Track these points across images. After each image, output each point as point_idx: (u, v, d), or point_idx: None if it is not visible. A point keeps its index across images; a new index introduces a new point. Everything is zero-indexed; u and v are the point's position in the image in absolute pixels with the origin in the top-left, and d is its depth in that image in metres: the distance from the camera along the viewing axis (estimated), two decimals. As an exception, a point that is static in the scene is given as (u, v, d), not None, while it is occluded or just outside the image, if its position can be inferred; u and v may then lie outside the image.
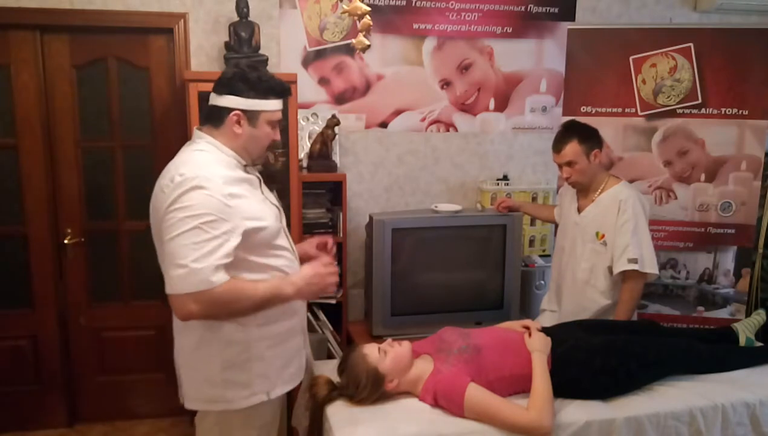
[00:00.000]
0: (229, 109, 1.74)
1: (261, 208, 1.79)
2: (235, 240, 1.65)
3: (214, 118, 1.78)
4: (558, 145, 2.57)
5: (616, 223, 2.53)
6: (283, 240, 1.88)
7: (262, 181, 1.90)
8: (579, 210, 2.69)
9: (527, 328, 2.28)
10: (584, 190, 2.67)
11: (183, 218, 1.59)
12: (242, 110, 1.74)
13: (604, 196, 2.60)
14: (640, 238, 2.52)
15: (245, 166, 1.83)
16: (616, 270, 2.52)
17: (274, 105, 1.79)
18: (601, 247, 2.58)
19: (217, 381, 1.78)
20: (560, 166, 2.60)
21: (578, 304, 2.67)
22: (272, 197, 1.94)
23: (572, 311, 2.68)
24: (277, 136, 1.86)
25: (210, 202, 1.61)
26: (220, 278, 1.60)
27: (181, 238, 1.59)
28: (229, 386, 1.78)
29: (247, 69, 1.76)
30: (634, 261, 2.48)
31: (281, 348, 1.87)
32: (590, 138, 2.56)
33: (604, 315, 2.62)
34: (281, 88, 1.81)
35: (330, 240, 2.14)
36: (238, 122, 1.75)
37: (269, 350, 1.83)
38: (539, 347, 2.13)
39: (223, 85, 1.75)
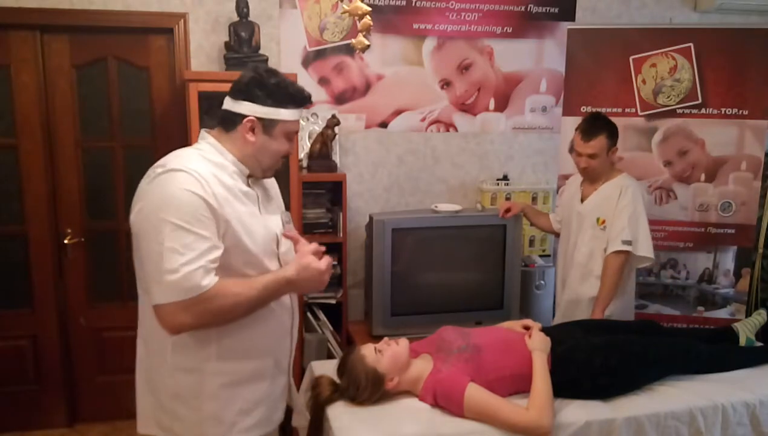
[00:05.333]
0: (244, 116, 1.58)
1: (251, 224, 1.59)
2: (220, 243, 1.49)
3: (226, 122, 1.62)
4: (588, 135, 2.59)
5: (616, 207, 2.60)
6: (273, 266, 1.66)
7: (261, 199, 1.69)
8: (582, 200, 2.75)
9: (527, 328, 2.28)
10: (590, 180, 2.73)
11: (163, 218, 1.42)
12: (258, 118, 1.58)
13: (607, 185, 2.68)
14: (638, 223, 2.60)
15: (249, 177, 1.66)
16: (609, 250, 2.58)
17: (292, 115, 1.63)
18: (600, 232, 2.65)
19: (167, 408, 1.63)
20: (579, 154, 2.63)
21: (576, 292, 2.71)
22: (273, 220, 1.71)
23: (573, 300, 2.72)
24: (293, 149, 1.70)
25: (193, 200, 1.45)
26: (211, 280, 1.45)
27: (166, 240, 1.41)
28: (178, 418, 1.62)
29: (265, 74, 1.60)
30: (628, 243, 2.56)
31: (241, 389, 1.63)
32: (615, 135, 2.65)
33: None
34: (301, 97, 1.64)
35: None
36: (252, 129, 1.59)
37: (225, 390, 1.61)
38: (539, 347, 2.13)
39: (240, 91, 1.59)
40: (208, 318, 1.48)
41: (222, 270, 1.49)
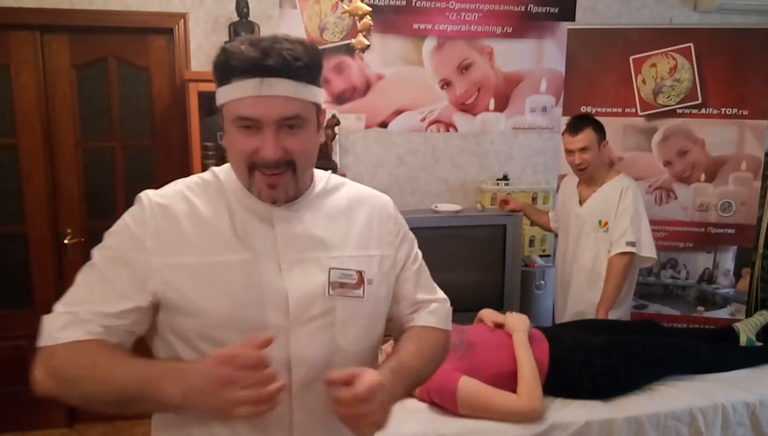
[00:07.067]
0: None
1: (225, 275, 1.04)
2: (137, 299, 1.03)
3: None
4: (575, 129, 2.64)
5: (617, 209, 2.61)
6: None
7: (283, 240, 1.09)
8: (580, 202, 2.75)
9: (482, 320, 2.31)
10: (588, 182, 2.73)
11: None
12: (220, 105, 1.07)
13: (606, 186, 2.69)
14: (640, 223, 2.61)
15: (273, 203, 1.10)
16: (613, 252, 2.59)
17: (236, 91, 1.03)
18: (604, 234, 2.65)
19: None
20: (572, 152, 2.65)
21: (585, 297, 2.70)
22: (297, 277, 1.08)
23: (580, 306, 2.71)
24: (265, 150, 1.03)
25: (122, 233, 1.10)
26: (69, 334, 1.00)
27: (82, 271, 1.11)
28: None
29: (231, 43, 1.08)
30: (632, 244, 2.57)
31: None
32: (602, 130, 2.68)
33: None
34: (244, 61, 1.02)
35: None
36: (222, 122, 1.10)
37: None
38: (518, 327, 2.15)
39: None
40: (63, 385, 1.00)
41: (180, 340, 1.05)
